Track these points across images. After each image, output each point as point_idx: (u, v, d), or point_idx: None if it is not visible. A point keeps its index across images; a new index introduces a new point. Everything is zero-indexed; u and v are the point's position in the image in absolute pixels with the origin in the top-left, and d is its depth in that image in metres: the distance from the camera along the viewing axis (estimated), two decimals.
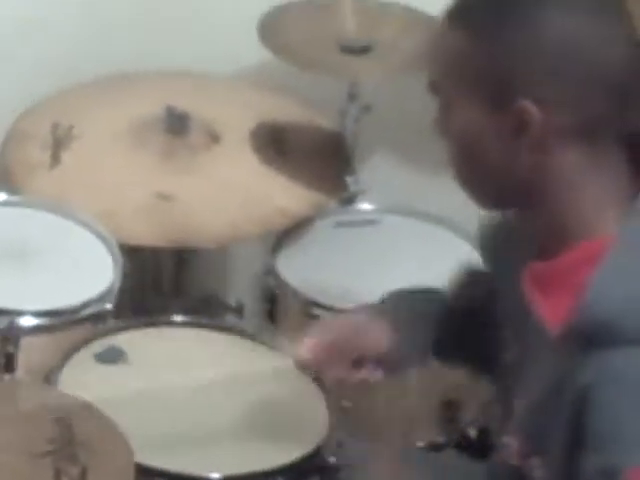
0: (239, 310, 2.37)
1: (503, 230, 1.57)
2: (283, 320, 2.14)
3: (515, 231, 1.50)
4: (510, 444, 1.39)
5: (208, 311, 2.39)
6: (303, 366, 1.70)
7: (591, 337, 1.29)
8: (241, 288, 2.65)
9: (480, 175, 1.41)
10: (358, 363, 1.62)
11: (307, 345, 1.63)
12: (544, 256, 1.39)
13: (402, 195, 2.51)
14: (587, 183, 1.35)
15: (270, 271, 2.14)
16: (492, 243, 1.63)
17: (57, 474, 1.64)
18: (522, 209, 1.41)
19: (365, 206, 2.36)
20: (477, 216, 2.38)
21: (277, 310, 2.14)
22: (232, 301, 2.43)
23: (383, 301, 1.67)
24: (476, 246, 2.19)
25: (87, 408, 1.75)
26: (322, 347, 1.63)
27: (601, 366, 1.28)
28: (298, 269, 2.17)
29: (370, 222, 2.33)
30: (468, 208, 2.11)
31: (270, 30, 2.32)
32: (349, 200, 2.32)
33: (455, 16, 1.41)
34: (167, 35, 2.55)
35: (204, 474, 1.73)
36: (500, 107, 1.34)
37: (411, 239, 2.31)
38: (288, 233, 2.20)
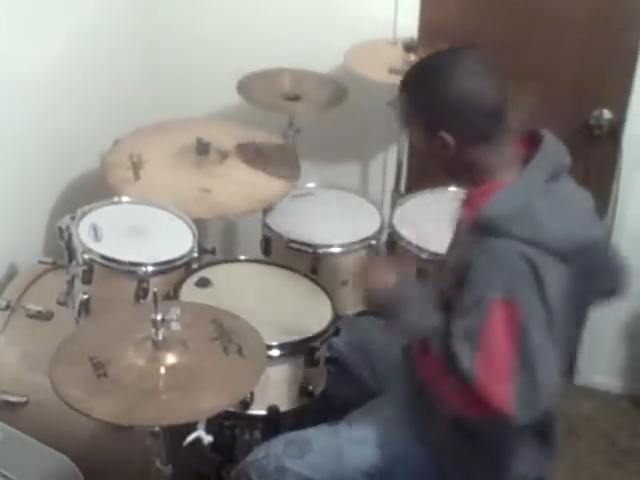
0: (213, 251, 2.81)
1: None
2: (274, 252, 3.00)
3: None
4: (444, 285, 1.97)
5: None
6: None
7: (481, 230, 1.78)
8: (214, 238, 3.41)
9: (439, 163, 1.91)
10: None
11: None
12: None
13: (326, 176, 3.34)
14: (490, 160, 1.86)
15: (264, 225, 3.03)
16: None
17: (225, 349, 1.99)
18: (464, 179, 1.93)
19: (307, 185, 3.22)
20: (368, 185, 3.22)
21: (270, 247, 3.01)
22: (209, 246, 2.83)
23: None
24: (374, 203, 3.06)
25: (226, 312, 2.13)
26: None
27: (483, 245, 1.77)
28: (279, 222, 3.02)
29: (310, 193, 3.21)
30: (368, 182, 3.09)
31: (244, 87, 3.12)
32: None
33: (402, 85, 1.91)
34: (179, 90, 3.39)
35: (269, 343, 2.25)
36: (431, 134, 1.87)
37: (334, 202, 3.18)
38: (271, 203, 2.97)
